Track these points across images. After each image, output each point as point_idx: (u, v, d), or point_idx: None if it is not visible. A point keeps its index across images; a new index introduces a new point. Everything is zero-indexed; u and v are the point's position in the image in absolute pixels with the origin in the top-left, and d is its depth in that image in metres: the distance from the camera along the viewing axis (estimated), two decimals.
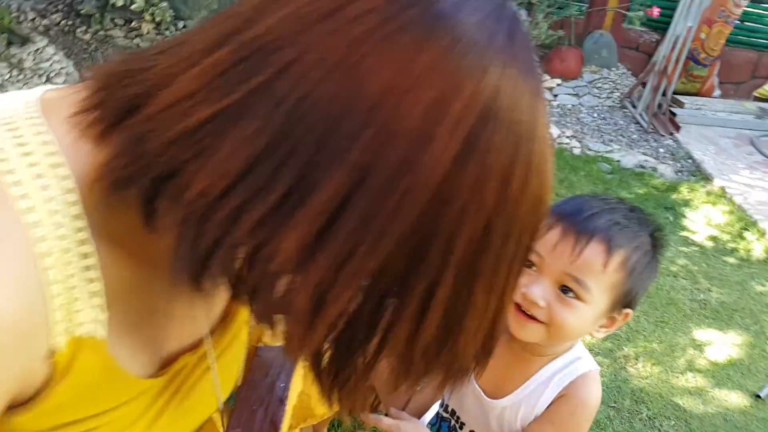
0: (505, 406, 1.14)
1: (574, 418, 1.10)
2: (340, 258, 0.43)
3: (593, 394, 1.10)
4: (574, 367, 1.11)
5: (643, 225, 1.04)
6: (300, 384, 0.93)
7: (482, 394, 1.16)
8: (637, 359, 2.73)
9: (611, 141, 4.96)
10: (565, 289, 0.99)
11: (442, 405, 1.29)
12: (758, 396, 2.65)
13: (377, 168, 0.42)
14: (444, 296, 0.47)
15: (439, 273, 0.46)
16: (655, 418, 2.44)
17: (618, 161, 4.66)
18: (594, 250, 0.97)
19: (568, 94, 5.52)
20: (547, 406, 1.12)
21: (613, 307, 1.02)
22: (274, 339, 0.91)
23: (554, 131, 4.83)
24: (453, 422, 1.25)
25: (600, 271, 0.98)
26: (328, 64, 0.42)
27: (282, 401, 0.84)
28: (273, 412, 0.82)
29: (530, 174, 0.47)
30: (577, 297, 0.99)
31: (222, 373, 0.71)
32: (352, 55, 0.42)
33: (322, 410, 1.03)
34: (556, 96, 5.46)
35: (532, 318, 1.00)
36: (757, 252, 3.81)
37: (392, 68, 0.42)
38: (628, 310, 1.05)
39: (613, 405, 2.44)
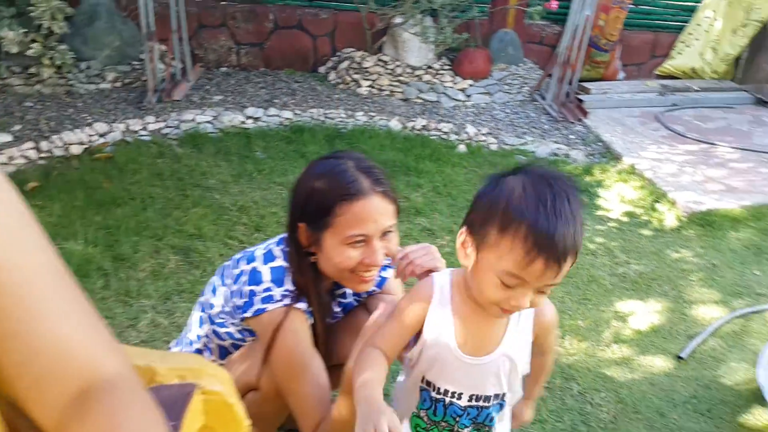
0: (497, 358, 1.35)
1: (551, 335, 1.46)
2: None
3: (549, 311, 1.41)
4: None
5: (579, 208, 1.18)
6: (200, 419, 0.92)
7: (471, 358, 1.34)
8: (563, 338, 2.82)
9: (525, 134, 5.11)
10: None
11: (431, 387, 1.40)
12: (680, 357, 2.77)
13: None
14: None
15: None
16: (585, 392, 2.52)
17: (533, 152, 4.81)
18: (569, 264, 1.18)
19: (480, 93, 5.67)
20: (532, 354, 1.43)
21: None
22: (164, 379, 0.92)
23: (471, 130, 4.94)
24: (448, 399, 1.39)
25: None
26: None
27: None
28: None
29: None
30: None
31: None
32: None
33: None
34: (469, 96, 5.60)
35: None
36: (670, 221, 3.98)
37: None
38: None
39: (545, 385, 2.51)
